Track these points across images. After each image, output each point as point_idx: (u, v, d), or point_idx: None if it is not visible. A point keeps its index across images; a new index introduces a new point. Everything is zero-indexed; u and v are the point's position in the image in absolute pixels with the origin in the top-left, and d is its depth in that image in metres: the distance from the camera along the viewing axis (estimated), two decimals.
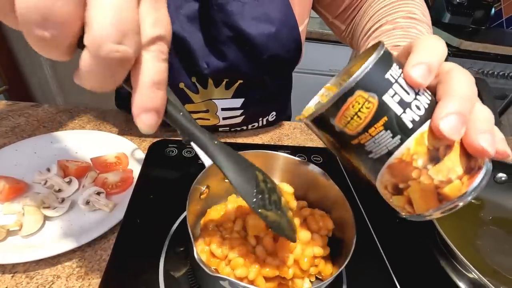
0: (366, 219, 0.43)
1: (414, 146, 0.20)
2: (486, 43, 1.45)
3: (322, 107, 0.21)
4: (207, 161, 0.34)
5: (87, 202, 0.42)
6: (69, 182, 0.45)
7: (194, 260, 0.24)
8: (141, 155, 0.51)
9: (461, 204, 0.21)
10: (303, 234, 0.29)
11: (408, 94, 0.20)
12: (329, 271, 0.29)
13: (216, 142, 0.23)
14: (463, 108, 0.19)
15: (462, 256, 0.32)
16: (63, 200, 0.42)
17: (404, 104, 0.20)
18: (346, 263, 0.25)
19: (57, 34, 0.14)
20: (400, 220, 0.44)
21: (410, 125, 0.20)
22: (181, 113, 0.21)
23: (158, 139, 0.55)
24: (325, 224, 0.31)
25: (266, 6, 0.47)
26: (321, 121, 0.22)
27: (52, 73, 1.49)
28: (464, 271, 0.34)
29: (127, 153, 0.51)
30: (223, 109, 0.56)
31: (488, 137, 0.20)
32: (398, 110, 0.20)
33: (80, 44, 0.16)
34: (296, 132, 0.67)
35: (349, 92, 0.20)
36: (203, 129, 0.22)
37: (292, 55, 0.53)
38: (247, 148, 0.52)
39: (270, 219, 0.25)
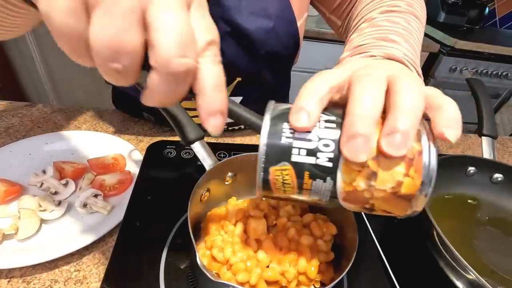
0: (365, 220, 0.43)
1: (346, 177, 0.20)
2: (480, 42, 1.46)
3: (258, 190, 0.22)
4: (207, 163, 0.34)
5: (85, 205, 0.41)
6: (66, 184, 0.44)
7: (196, 264, 0.24)
8: (139, 156, 0.50)
9: (429, 191, 0.20)
10: (306, 240, 0.29)
11: (310, 141, 0.20)
12: (330, 275, 0.29)
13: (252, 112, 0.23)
14: (361, 128, 0.19)
15: (460, 257, 0.32)
16: (59, 202, 0.41)
17: (312, 152, 0.20)
18: (348, 267, 0.25)
19: (128, 64, 0.16)
20: (398, 220, 0.44)
21: (329, 164, 0.20)
22: (241, 108, 0.22)
23: (156, 139, 0.55)
24: (328, 229, 0.31)
25: (264, 1, 0.46)
26: (268, 196, 0.23)
27: (46, 71, 1.46)
28: (462, 272, 0.35)
29: (124, 154, 0.50)
30: None
31: (394, 140, 0.19)
32: (311, 160, 0.20)
33: (144, 66, 0.16)
34: None
35: (265, 174, 0.21)
36: (261, 117, 0.22)
37: (290, 51, 0.52)
38: (246, 149, 0.52)
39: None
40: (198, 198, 0.32)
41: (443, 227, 0.36)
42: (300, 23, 0.51)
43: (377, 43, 0.33)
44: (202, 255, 0.29)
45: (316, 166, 0.20)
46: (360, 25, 0.42)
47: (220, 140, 0.60)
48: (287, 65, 0.58)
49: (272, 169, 0.21)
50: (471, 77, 0.56)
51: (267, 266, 0.28)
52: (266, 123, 0.21)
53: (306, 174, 0.20)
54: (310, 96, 0.21)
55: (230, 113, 0.21)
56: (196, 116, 0.60)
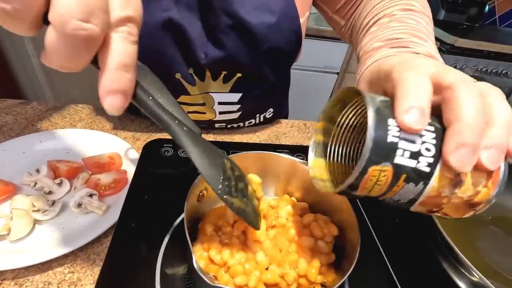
0: (367, 220, 0.42)
1: (438, 183, 0.20)
2: (480, 40, 1.45)
3: (342, 186, 0.21)
4: None
5: (79, 205, 0.40)
6: (60, 184, 0.43)
7: (192, 267, 0.23)
8: (135, 155, 0.49)
9: (492, 202, 0.21)
10: (307, 241, 0.28)
11: (415, 142, 0.20)
12: (331, 277, 0.28)
13: (185, 128, 0.23)
14: (471, 137, 0.18)
15: (464, 257, 0.32)
16: (53, 202, 0.40)
17: (415, 156, 0.20)
18: (351, 270, 0.24)
19: (19, 8, 0.14)
20: (400, 220, 0.44)
21: (427, 170, 0.20)
22: (150, 98, 0.21)
23: (153, 138, 0.54)
24: (330, 230, 0.30)
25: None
26: (343, 193, 0.22)
27: (42, 69, 1.45)
28: (466, 273, 0.34)
29: (120, 152, 0.49)
30: (220, 103, 0.55)
31: (493, 155, 0.19)
32: (412, 163, 0.20)
33: (45, 20, 0.15)
34: (294, 130, 0.66)
35: (363, 172, 0.20)
36: (172, 115, 0.23)
37: (292, 48, 0.52)
38: (244, 148, 0.51)
39: (235, 206, 0.25)
40: (195, 198, 0.31)
41: (446, 227, 0.35)
42: (302, 20, 0.51)
43: (412, 39, 0.33)
44: (199, 257, 0.28)
45: (415, 170, 0.20)
46: (379, 20, 0.41)
47: (219, 139, 0.59)
48: (288, 62, 0.58)
49: (371, 169, 0.19)
50: (473, 75, 0.55)
51: (266, 269, 0.27)
52: (371, 116, 0.19)
53: (403, 177, 0.20)
54: (423, 95, 0.20)
55: (137, 99, 0.21)
56: (192, 112, 0.59)
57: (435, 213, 0.23)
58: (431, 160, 0.20)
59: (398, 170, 0.19)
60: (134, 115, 0.61)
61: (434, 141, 0.20)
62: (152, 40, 0.44)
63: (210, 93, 0.53)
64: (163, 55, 0.46)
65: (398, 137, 0.19)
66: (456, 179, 0.20)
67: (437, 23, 1.61)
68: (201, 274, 0.22)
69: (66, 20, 0.14)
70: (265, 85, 0.56)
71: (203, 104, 0.54)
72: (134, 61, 0.18)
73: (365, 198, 0.22)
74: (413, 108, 0.19)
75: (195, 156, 0.23)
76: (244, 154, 0.34)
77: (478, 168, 0.20)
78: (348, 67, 1.60)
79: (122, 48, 0.17)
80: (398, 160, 0.19)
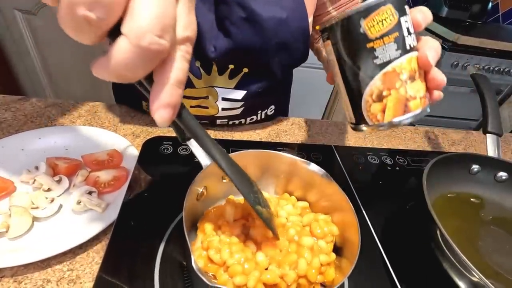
0: (367, 219, 0.42)
1: (405, 63, 0.27)
2: (483, 37, 1.44)
3: (360, 7, 0.26)
4: (204, 161, 0.33)
5: (78, 202, 0.40)
6: (59, 181, 0.43)
7: (192, 266, 0.23)
8: (135, 152, 0.49)
9: (410, 121, 0.28)
10: (307, 240, 0.28)
11: (410, 28, 0.27)
12: (331, 276, 0.28)
13: (217, 144, 0.25)
14: (437, 48, 0.28)
15: (464, 257, 0.31)
16: (52, 200, 0.40)
17: (408, 31, 0.27)
18: (351, 270, 0.24)
19: (102, 17, 0.15)
20: (401, 220, 0.43)
21: (408, 47, 0.27)
22: (191, 115, 0.23)
23: (153, 135, 0.53)
24: (330, 230, 0.30)
25: None
26: (350, 21, 0.26)
27: (42, 65, 1.44)
28: (466, 273, 0.34)
29: (120, 150, 0.49)
30: (223, 99, 0.55)
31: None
32: (405, 32, 0.27)
33: (111, 33, 0.16)
34: (294, 128, 0.66)
35: (383, 2, 0.25)
36: (208, 134, 0.25)
37: (299, 46, 0.53)
38: (245, 145, 0.51)
39: (264, 216, 0.28)
40: (195, 196, 0.31)
41: (446, 226, 0.35)
42: (310, 19, 0.52)
43: None
44: (198, 256, 0.28)
45: (404, 38, 0.26)
46: None
47: (219, 136, 0.59)
48: (295, 60, 0.58)
49: (388, 6, 0.25)
50: (476, 73, 0.55)
51: (266, 269, 0.27)
52: None
53: (396, 34, 0.26)
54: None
55: (183, 120, 0.22)
56: (195, 106, 0.59)
57: (379, 102, 0.27)
58: (412, 45, 0.27)
59: (398, 26, 0.26)
60: (134, 112, 0.61)
61: (415, 42, 0.27)
62: None
63: (215, 87, 0.53)
64: None
65: (407, 13, 0.27)
66: (412, 73, 0.27)
67: (439, 19, 1.59)
68: (199, 274, 0.22)
69: (144, 34, 0.15)
70: (269, 82, 0.56)
71: (206, 97, 0.54)
72: (186, 79, 0.19)
73: (352, 46, 0.27)
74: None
75: (232, 174, 0.26)
76: (244, 152, 0.34)
77: (431, 80, 0.28)
78: None
79: (180, 65, 0.18)
80: (402, 20, 0.26)
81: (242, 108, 0.58)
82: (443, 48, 1.47)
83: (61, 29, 0.15)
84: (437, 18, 1.62)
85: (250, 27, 0.46)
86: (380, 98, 0.27)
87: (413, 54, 0.27)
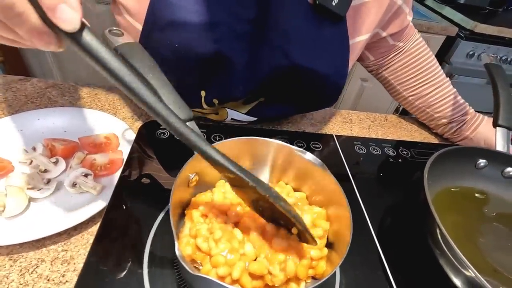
0: (364, 211, 0.41)
1: None
2: (502, 26, 1.37)
3: None
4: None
5: (74, 184, 0.40)
6: (56, 163, 0.43)
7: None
8: (133, 136, 0.49)
9: None
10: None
11: None
12: (322, 268, 0.28)
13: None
14: None
15: (459, 252, 0.30)
16: (49, 181, 0.40)
17: None
18: (340, 262, 0.23)
19: None
20: (398, 214, 0.42)
21: None
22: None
23: (153, 119, 0.53)
24: (321, 225, 0.29)
25: (325, 49, 0.44)
26: None
27: None
28: (462, 269, 0.33)
29: (117, 133, 0.49)
30: (233, 119, 0.54)
31: None
32: None
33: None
34: (297, 116, 0.64)
35: None
36: (205, 141, 0.24)
37: (330, 99, 0.52)
38: (245, 134, 0.50)
39: (293, 213, 0.25)
40: (185, 182, 0.30)
41: (447, 221, 0.34)
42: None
43: None
44: (186, 244, 0.27)
45: None
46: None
47: (222, 124, 0.58)
48: (320, 105, 0.56)
49: None
50: (490, 62, 0.52)
51: (255, 259, 0.26)
52: None
53: None
54: None
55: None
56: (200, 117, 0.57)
57: None
58: None
59: None
60: None
61: None
62: (193, 70, 0.42)
63: (227, 108, 0.51)
64: (197, 82, 0.45)
65: None
66: None
67: (457, 6, 1.52)
68: (182, 262, 0.21)
69: None
70: (285, 111, 0.55)
71: (215, 113, 0.53)
72: None
73: None
74: None
75: (238, 171, 0.25)
76: (236, 140, 0.33)
77: None
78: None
79: None
80: None
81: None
82: (459, 36, 1.40)
83: None
84: (454, 4, 1.54)
85: (287, 76, 0.44)
86: None
87: None
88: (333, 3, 0.39)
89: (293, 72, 0.43)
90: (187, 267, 0.21)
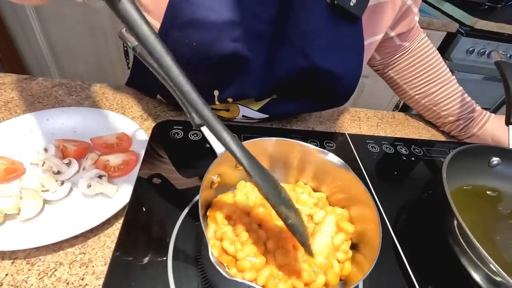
0: (383, 212, 0.41)
1: None
2: (502, 22, 1.38)
3: None
4: (218, 148, 0.32)
5: (89, 186, 0.39)
6: (69, 164, 0.42)
7: (205, 254, 0.22)
8: (144, 136, 0.48)
9: None
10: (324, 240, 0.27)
11: None
12: (347, 270, 0.28)
13: (236, 139, 0.23)
14: None
15: (482, 249, 0.31)
16: (62, 183, 0.39)
17: None
18: (371, 269, 0.23)
19: None
20: (417, 212, 0.43)
21: None
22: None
23: (162, 119, 0.52)
24: (345, 228, 0.29)
25: (343, 51, 0.44)
26: None
27: (46, 43, 1.41)
28: (482, 266, 0.33)
29: (128, 133, 0.48)
30: (244, 116, 0.53)
31: None
32: None
33: None
34: (305, 114, 0.64)
35: None
36: (223, 124, 0.22)
37: (343, 98, 0.52)
38: (257, 132, 0.50)
39: (292, 221, 0.24)
40: (209, 185, 0.30)
41: (465, 219, 0.34)
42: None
43: None
44: (212, 246, 0.27)
45: None
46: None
47: (233, 123, 0.57)
48: (332, 104, 0.56)
49: None
50: (500, 60, 0.52)
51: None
52: None
53: None
54: None
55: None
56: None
57: None
58: None
59: None
60: (142, 95, 0.59)
61: None
62: (210, 69, 0.42)
63: (238, 105, 0.51)
64: (212, 81, 0.44)
65: None
66: None
67: (457, 3, 1.52)
68: (218, 267, 0.21)
69: None
70: (297, 109, 0.55)
71: (227, 110, 0.52)
72: None
73: None
74: None
75: (250, 168, 0.23)
76: (261, 140, 0.32)
77: None
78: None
79: None
80: None
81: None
82: (459, 33, 1.41)
83: (64, 4, 0.14)
84: (454, 0, 1.55)
85: (305, 76, 0.44)
86: None
87: None
88: (351, 3, 0.39)
89: (311, 73, 0.43)
90: (223, 273, 0.21)
